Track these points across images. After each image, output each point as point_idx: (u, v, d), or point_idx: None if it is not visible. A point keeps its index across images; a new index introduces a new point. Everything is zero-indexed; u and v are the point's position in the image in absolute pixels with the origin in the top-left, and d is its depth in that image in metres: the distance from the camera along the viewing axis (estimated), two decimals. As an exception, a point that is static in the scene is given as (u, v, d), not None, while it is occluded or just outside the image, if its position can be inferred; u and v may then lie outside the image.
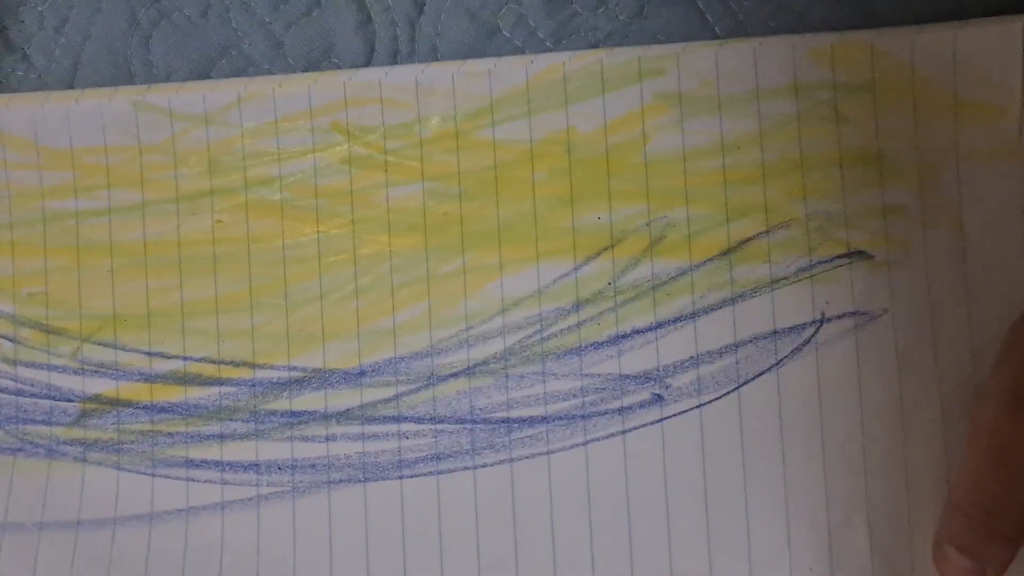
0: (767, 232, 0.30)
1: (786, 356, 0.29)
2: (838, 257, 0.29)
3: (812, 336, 0.29)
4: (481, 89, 0.31)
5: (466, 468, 0.31)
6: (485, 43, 0.32)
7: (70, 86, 0.34)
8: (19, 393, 0.33)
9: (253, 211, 0.32)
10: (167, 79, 0.34)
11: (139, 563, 0.32)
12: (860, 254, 0.29)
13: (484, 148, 0.31)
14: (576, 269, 0.31)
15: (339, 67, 0.33)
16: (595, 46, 0.31)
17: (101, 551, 0.32)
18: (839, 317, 0.29)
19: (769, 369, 0.29)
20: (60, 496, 0.33)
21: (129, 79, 0.34)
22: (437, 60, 0.32)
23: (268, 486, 0.32)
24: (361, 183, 0.32)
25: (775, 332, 0.29)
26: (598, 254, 0.30)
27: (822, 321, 0.29)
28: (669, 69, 0.30)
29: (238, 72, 0.33)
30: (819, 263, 0.29)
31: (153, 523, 0.32)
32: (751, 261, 0.30)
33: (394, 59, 0.32)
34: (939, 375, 0.28)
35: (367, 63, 0.33)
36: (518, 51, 0.32)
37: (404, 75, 0.31)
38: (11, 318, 0.33)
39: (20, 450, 0.33)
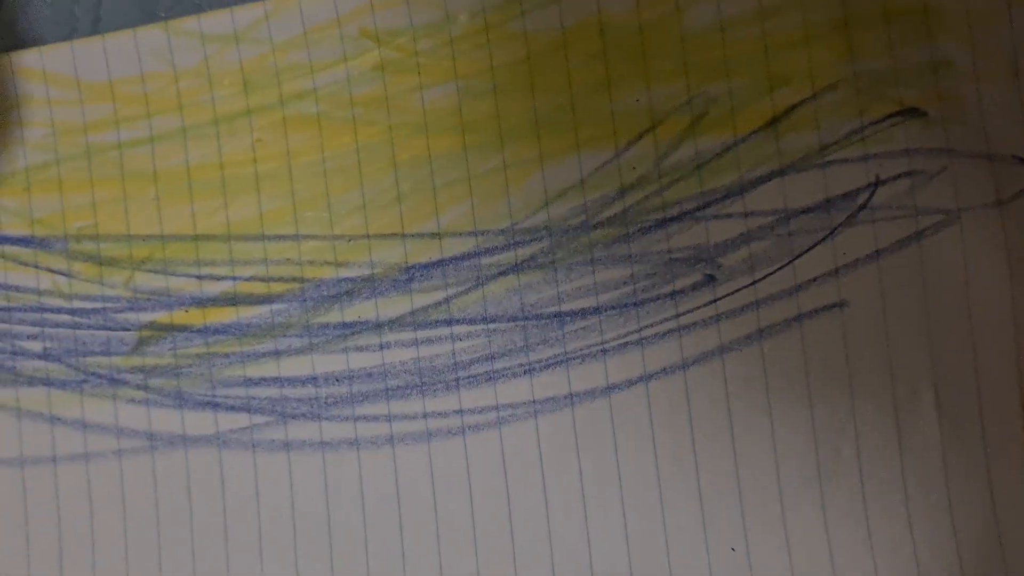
0: (813, 97, 0.29)
1: (841, 223, 0.28)
2: (891, 116, 0.28)
3: (868, 200, 0.28)
4: None
5: (521, 366, 0.30)
6: None
7: (97, 19, 0.34)
8: (76, 327, 0.34)
9: (291, 126, 0.32)
10: (197, 11, 0.33)
11: (215, 484, 0.32)
12: (913, 111, 0.28)
13: (515, 40, 0.30)
14: (618, 155, 0.30)
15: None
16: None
17: (177, 474, 0.32)
18: (895, 178, 0.28)
19: (824, 239, 0.28)
20: (130, 423, 0.33)
21: (154, 9, 0.33)
22: None
23: (327, 398, 0.32)
24: (395, 88, 0.31)
25: (828, 200, 0.28)
26: (639, 137, 0.30)
27: (876, 184, 0.28)
28: None
29: None
30: (871, 124, 0.28)
31: (221, 445, 0.32)
32: (799, 129, 0.29)
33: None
34: (1005, 229, 0.27)
35: None
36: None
37: None
38: (64, 253, 0.34)
39: (85, 382, 0.34)
